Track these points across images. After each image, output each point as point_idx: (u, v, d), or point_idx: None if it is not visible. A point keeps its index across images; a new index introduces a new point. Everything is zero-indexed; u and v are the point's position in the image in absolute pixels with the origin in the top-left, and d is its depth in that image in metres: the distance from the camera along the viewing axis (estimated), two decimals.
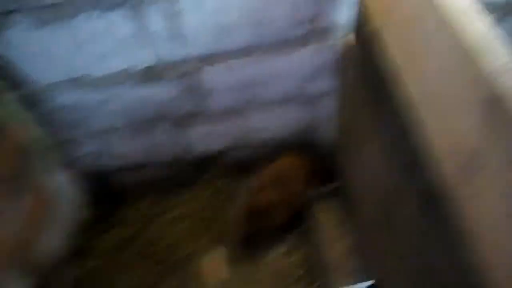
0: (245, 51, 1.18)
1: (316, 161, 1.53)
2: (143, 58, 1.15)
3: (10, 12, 0.98)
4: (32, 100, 1.21)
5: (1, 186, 1.12)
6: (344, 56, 1.18)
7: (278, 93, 1.33)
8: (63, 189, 1.43)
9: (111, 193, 1.60)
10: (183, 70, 1.20)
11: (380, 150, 0.98)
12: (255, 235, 1.45)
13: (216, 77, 1.24)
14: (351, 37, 1.09)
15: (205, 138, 1.45)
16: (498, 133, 0.51)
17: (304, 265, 1.38)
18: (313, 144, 1.54)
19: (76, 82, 1.19)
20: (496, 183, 0.52)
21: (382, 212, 1.04)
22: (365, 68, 1.00)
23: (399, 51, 0.75)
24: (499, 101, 0.50)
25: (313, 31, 1.16)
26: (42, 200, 1.32)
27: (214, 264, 1.39)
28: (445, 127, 0.62)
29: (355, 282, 1.24)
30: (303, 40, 1.18)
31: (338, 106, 1.36)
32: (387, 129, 0.92)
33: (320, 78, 1.30)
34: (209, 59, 1.19)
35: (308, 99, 1.37)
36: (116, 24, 1.05)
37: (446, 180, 0.64)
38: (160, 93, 1.26)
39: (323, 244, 1.36)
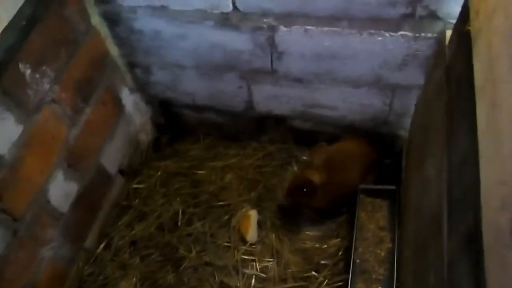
0: (328, 21, 1.08)
1: (380, 155, 1.41)
2: (221, 2, 1.11)
3: None
4: (114, 18, 1.25)
5: (74, 90, 1.20)
6: (437, 52, 1.02)
7: (355, 73, 1.21)
8: (131, 108, 1.51)
9: (174, 125, 1.66)
10: (260, 24, 1.14)
11: (443, 169, 0.85)
12: (295, 210, 1.42)
13: (292, 40, 1.16)
14: (450, 33, 0.92)
15: (269, 99, 1.40)
16: None
17: (335, 256, 1.32)
18: (382, 137, 1.41)
19: (155, 11, 1.20)
20: None
21: (425, 235, 0.93)
22: (452, 73, 0.85)
23: (484, 66, 0.61)
24: None
25: (409, 16, 1.01)
26: (109, 112, 1.41)
27: (246, 223, 1.39)
28: (502, 177, 0.50)
29: None
30: (396, 24, 1.04)
31: (418, 105, 1.20)
32: (456, 151, 0.79)
33: (406, 69, 1.15)
34: (287, 19, 1.10)
35: (387, 88, 1.23)
36: None
37: (487, 238, 0.53)
38: (234, 42, 1.22)
39: (360, 243, 1.28)
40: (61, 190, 1.19)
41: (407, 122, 1.33)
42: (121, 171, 1.50)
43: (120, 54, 1.39)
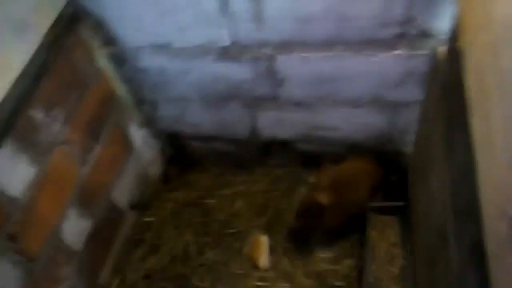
0: (324, 45, 1.12)
1: (386, 173, 1.42)
2: (221, 36, 1.16)
3: None
4: (120, 59, 1.31)
5: (84, 130, 1.25)
6: (433, 69, 1.05)
7: (354, 94, 1.24)
8: (139, 143, 1.55)
9: (182, 157, 1.69)
10: (259, 55, 1.18)
11: (445, 182, 0.86)
12: (305, 233, 1.42)
13: (291, 67, 1.19)
14: (444, 49, 0.96)
15: (273, 124, 1.43)
16: None
17: (348, 276, 1.32)
18: (387, 154, 1.43)
19: (159, 49, 1.25)
20: None
21: (433, 248, 0.93)
22: (448, 88, 0.87)
23: (475, 81, 0.63)
24: None
25: (402, 36, 1.04)
26: (119, 149, 1.45)
27: (258, 249, 1.39)
28: (498, 185, 0.51)
29: None
30: (390, 43, 1.07)
31: (419, 121, 1.22)
32: (455, 164, 0.80)
33: (404, 86, 1.17)
34: (285, 47, 1.15)
35: (388, 106, 1.26)
36: None
37: (490, 246, 0.54)
38: (235, 73, 1.26)
39: (373, 262, 1.27)
40: (74, 228, 1.22)
41: (410, 138, 1.34)
42: (132, 206, 1.52)
43: (127, 92, 1.43)
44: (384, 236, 1.32)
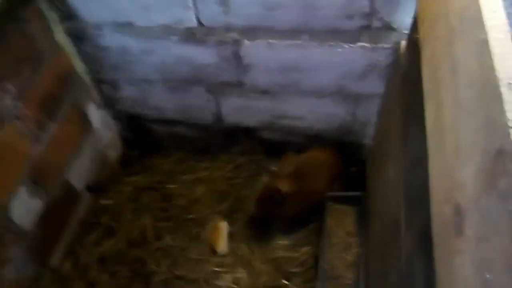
0: (291, 33, 1.12)
1: (346, 163, 1.45)
2: (186, 17, 1.13)
3: None
4: (80, 35, 1.26)
5: (38, 107, 1.19)
6: (394, 62, 1.07)
7: (319, 84, 1.25)
8: (98, 124, 1.50)
9: (143, 140, 1.65)
10: (224, 39, 1.16)
11: (400, 171, 0.89)
12: (265, 220, 1.43)
13: (257, 53, 1.19)
14: (406, 43, 0.98)
15: (238, 111, 1.42)
16: (489, 197, 0.42)
17: (305, 264, 1.34)
18: (348, 146, 1.45)
19: (122, 27, 1.21)
20: (472, 253, 0.44)
21: (387, 235, 0.96)
22: (406, 80, 0.89)
23: (430, 71, 0.65)
24: (502, 157, 0.41)
25: (366, 28, 1.06)
26: (76, 128, 1.39)
27: (217, 235, 1.39)
28: (445, 171, 0.53)
29: None
30: (354, 35, 1.09)
31: (379, 113, 1.25)
32: (410, 152, 0.82)
33: (367, 79, 1.19)
34: (252, 32, 1.14)
35: (350, 98, 1.28)
36: None
37: (435, 230, 0.56)
38: (200, 56, 1.24)
39: (329, 249, 1.30)
40: (24, 208, 1.17)
41: (371, 130, 1.37)
42: (88, 188, 1.48)
43: (87, 71, 1.38)
44: (341, 225, 1.35)
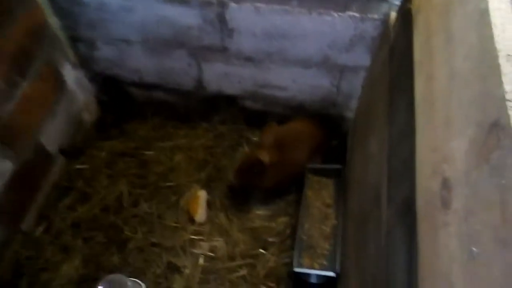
0: None
1: (328, 135, 1.45)
2: None
3: None
4: None
5: (8, 62, 1.12)
6: (382, 34, 1.05)
7: (304, 53, 1.22)
8: (73, 85, 1.43)
9: (120, 104, 1.59)
10: (208, 0, 1.11)
11: (384, 144, 0.88)
12: (244, 190, 1.42)
13: (243, 17, 1.14)
14: (396, 15, 0.95)
15: (220, 78, 1.38)
16: (480, 170, 0.41)
17: (283, 234, 1.34)
18: (330, 118, 1.44)
19: None
20: (458, 226, 0.43)
21: (366, 208, 0.96)
22: (394, 53, 0.87)
23: (422, 42, 0.63)
24: (497, 130, 0.40)
25: None
26: (50, 88, 1.33)
27: (195, 203, 1.37)
28: (434, 144, 0.52)
29: (321, 268, 1.20)
30: (343, 4, 1.05)
31: (363, 86, 1.23)
32: (396, 125, 0.81)
33: (353, 50, 1.17)
34: None
35: (335, 70, 1.25)
36: None
37: (419, 203, 0.55)
38: (183, 17, 1.18)
39: (307, 220, 1.30)
40: None
41: (354, 103, 1.36)
42: (62, 151, 1.42)
43: (61, 27, 1.31)
44: (319, 196, 1.35)
